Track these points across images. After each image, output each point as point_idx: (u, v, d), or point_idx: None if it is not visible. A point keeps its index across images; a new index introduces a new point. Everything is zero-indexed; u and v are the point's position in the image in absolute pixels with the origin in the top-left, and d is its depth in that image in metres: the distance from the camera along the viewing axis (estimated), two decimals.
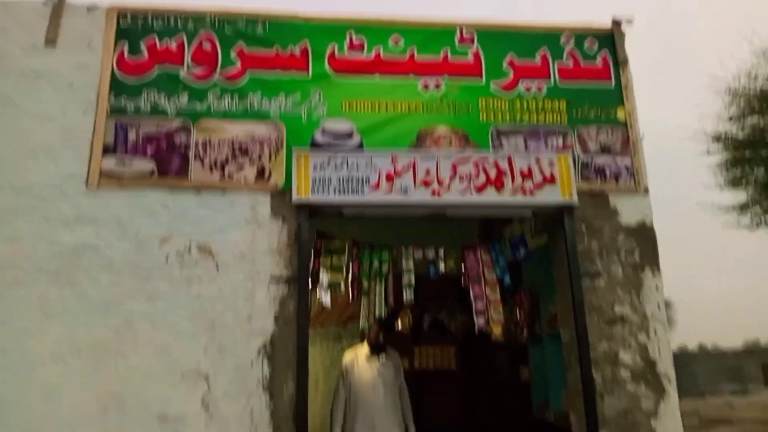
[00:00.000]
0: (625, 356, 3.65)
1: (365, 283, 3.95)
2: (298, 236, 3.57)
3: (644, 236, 3.84)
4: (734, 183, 9.98)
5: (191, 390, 3.29)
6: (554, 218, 3.79)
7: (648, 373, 3.63)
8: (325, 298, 3.77)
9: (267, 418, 3.30)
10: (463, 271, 3.96)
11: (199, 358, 3.34)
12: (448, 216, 3.68)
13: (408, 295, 3.90)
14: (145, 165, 3.60)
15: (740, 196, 10.10)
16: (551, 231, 3.94)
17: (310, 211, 3.60)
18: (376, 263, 3.93)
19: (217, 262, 3.50)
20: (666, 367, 3.65)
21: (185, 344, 3.35)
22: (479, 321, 3.88)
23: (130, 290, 3.39)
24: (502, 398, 5.73)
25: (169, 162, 3.61)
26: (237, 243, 3.54)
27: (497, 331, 4.05)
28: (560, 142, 3.86)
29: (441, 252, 3.98)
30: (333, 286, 3.78)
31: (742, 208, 10.07)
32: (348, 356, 4.36)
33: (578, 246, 3.75)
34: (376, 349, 4.23)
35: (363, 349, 4.31)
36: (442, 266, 3.96)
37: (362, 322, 4.08)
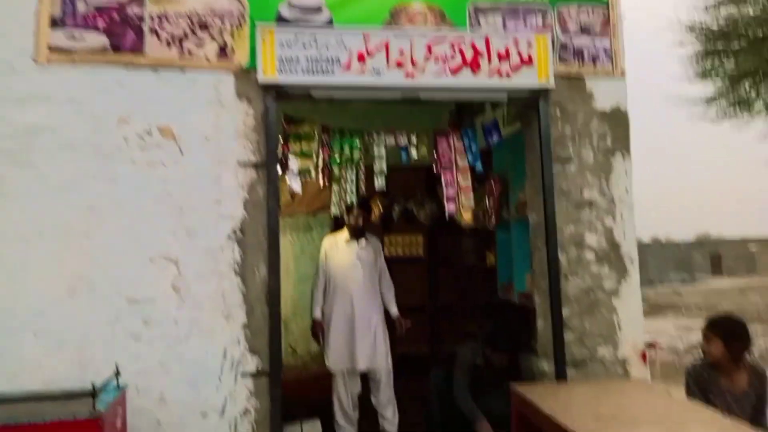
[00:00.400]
0: (591, 239, 3.74)
1: (336, 170, 3.87)
2: (265, 119, 3.42)
3: (618, 121, 3.81)
4: (704, 75, 9.97)
5: (161, 273, 3.26)
6: (529, 103, 3.71)
7: (612, 254, 3.75)
8: (294, 184, 3.69)
9: (240, 299, 3.33)
10: (435, 157, 3.90)
11: (167, 242, 3.29)
12: (422, 99, 3.56)
13: (379, 182, 3.85)
14: (97, 39, 3.32)
15: (708, 88, 10.14)
16: (525, 116, 3.87)
17: (277, 93, 3.43)
18: (346, 149, 3.83)
19: (180, 146, 3.36)
20: (630, 249, 3.77)
21: (152, 227, 3.27)
22: (450, 207, 3.88)
23: (91, 172, 3.25)
24: (467, 281, 5.94)
25: (123, 36, 3.34)
26: (200, 126, 3.38)
27: (467, 217, 4.08)
28: (540, 21, 3.69)
29: (413, 138, 3.89)
30: (303, 173, 3.69)
31: (709, 101, 10.14)
32: (328, 241, 4.39)
33: (551, 131, 3.71)
34: (355, 234, 4.24)
35: (343, 235, 4.33)
36: (414, 153, 3.88)
37: (333, 209, 4.04)
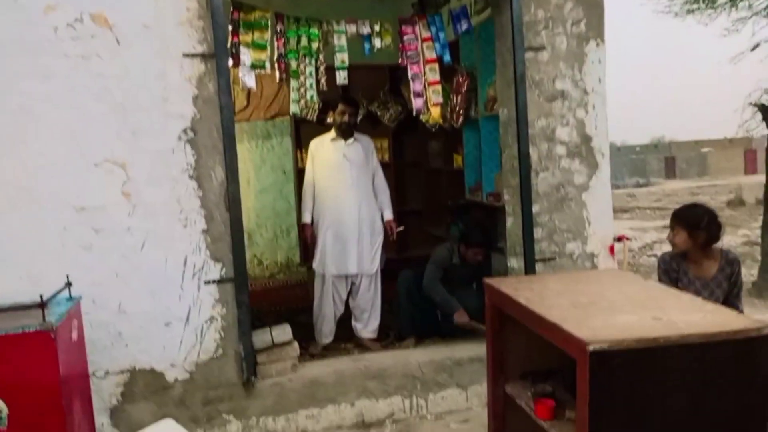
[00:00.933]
0: (562, 132, 3.62)
1: (293, 63, 3.56)
2: (210, 3, 3.07)
3: (592, 4, 3.59)
4: None
5: (108, 179, 3.01)
6: None
7: (583, 148, 3.65)
8: (248, 79, 3.38)
9: (197, 204, 3.12)
10: (400, 48, 3.62)
11: (112, 145, 3.01)
12: None
13: (341, 78, 3.58)
14: None
15: None
16: (495, 1, 3.60)
17: None
18: (304, 40, 3.50)
19: (116, 36, 3.00)
20: (601, 142, 3.67)
21: (94, 129, 2.98)
22: (417, 103, 3.66)
23: (20, 68, 2.89)
24: (434, 185, 5.84)
25: None
26: (137, 12, 3.01)
27: (436, 113, 3.88)
28: None
29: (376, 27, 3.58)
30: (256, 66, 3.38)
31: None
32: (314, 143, 4.14)
33: (524, 17, 3.47)
34: (342, 133, 3.98)
35: (329, 135, 4.07)
36: (378, 42, 3.59)
37: (293, 108, 3.76)
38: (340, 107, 3.96)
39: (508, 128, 3.63)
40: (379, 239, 4.06)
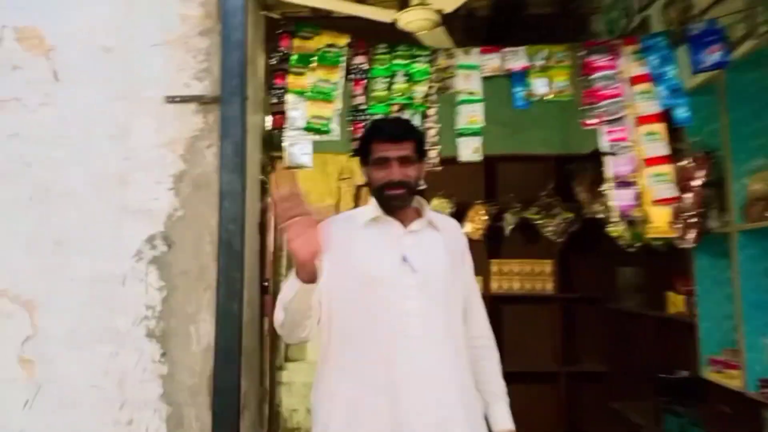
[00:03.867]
0: None
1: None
2: (222, 7, 1.63)
3: None
4: None
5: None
6: None
7: None
8: (300, 153, 1.84)
9: (155, 394, 1.52)
10: (583, 94, 1.90)
11: (12, 265, 1.57)
12: None
13: (468, 151, 1.92)
14: None
15: None
16: None
17: None
18: (400, 80, 1.91)
19: (54, 67, 1.65)
20: None
21: None
22: (621, 198, 1.86)
23: None
24: (624, 334, 3.71)
25: None
26: (95, 25, 1.66)
27: (660, 219, 1.98)
28: None
29: (539, 57, 1.92)
30: (315, 131, 1.84)
31: None
32: (330, 229, 2.04)
33: None
34: (393, 203, 1.71)
35: (362, 212, 1.79)
36: (541, 86, 1.89)
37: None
38: (391, 147, 1.58)
39: None
40: None
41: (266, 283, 2.02)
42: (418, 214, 1.67)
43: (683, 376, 3.06)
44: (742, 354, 2.26)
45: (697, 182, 2.54)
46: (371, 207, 1.64)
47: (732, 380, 2.33)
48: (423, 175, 1.70)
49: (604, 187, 1.84)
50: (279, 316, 1.46)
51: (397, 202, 1.56)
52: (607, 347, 3.80)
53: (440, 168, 1.95)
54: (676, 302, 3.04)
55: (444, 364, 1.54)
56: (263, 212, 2.10)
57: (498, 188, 3.97)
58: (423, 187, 1.88)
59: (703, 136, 2.46)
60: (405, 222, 1.62)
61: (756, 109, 2.19)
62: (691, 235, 2.56)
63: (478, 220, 3.74)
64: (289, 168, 1.88)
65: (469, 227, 3.79)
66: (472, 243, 1.81)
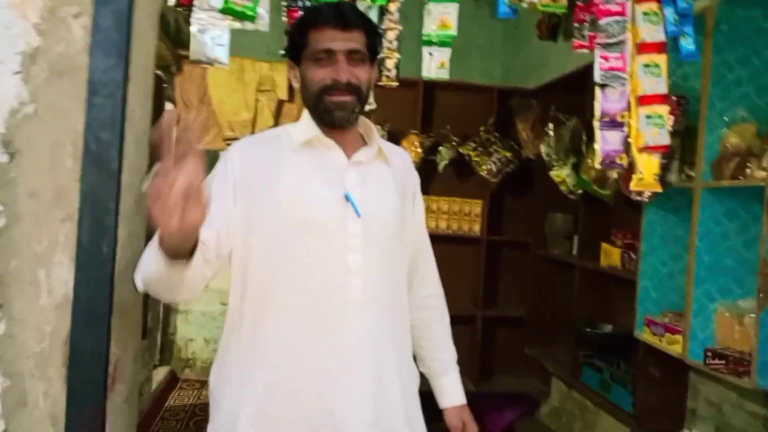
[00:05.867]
0: None
1: None
2: None
3: None
4: None
5: None
6: None
7: None
8: (213, 46, 1.38)
9: None
10: (576, 9, 1.55)
11: None
12: None
13: (432, 66, 1.54)
14: None
15: None
16: None
17: None
18: None
19: None
20: None
21: None
22: (607, 141, 1.55)
23: None
24: (551, 283, 3.59)
25: None
26: None
27: (647, 169, 1.73)
28: None
29: None
30: (236, 15, 1.37)
31: None
32: (241, 151, 1.39)
33: None
34: (340, 118, 1.22)
35: (295, 129, 1.25)
36: None
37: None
38: (320, 35, 1.16)
39: None
40: None
41: None
42: (364, 140, 1.29)
43: (608, 331, 2.98)
44: (688, 319, 2.12)
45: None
46: (303, 125, 1.24)
47: (671, 345, 2.20)
48: (373, 85, 1.31)
49: (595, 125, 1.52)
50: (139, 285, 1.07)
51: (342, 114, 1.18)
52: (530, 294, 3.68)
53: (396, 85, 1.55)
54: (610, 255, 2.89)
55: (386, 339, 1.22)
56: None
57: (435, 119, 3.63)
58: (371, 106, 1.49)
59: (678, 77, 2.20)
60: (347, 150, 1.23)
61: (746, 53, 1.95)
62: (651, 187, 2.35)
63: (412, 151, 3.38)
64: (196, 63, 1.40)
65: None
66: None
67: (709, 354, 1.95)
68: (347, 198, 1.16)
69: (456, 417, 1.38)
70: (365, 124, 1.27)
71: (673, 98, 2.19)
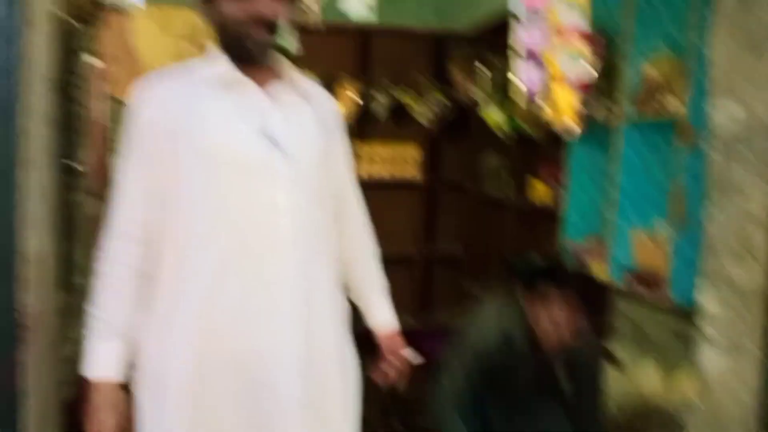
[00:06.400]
0: None
1: None
2: None
3: None
4: None
5: None
6: None
7: None
8: None
9: None
10: None
11: None
12: None
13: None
14: None
15: None
16: None
17: None
18: None
19: None
20: None
21: None
22: (529, 76, 1.58)
23: None
24: (484, 221, 3.68)
25: None
26: None
27: (568, 106, 1.78)
28: None
29: None
30: None
31: None
32: (145, 88, 1.31)
33: None
34: (258, 49, 1.15)
35: (209, 67, 1.28)
36: None
37: None
38: None
39: (744, 145, 1.53)
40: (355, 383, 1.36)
41: (78, 165, 1.53)
42: (275, 74, 1.23)
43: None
44: (607, 244, 2.24)
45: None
46: (216, 60, 1.21)
47: (597, 272, 2.32)
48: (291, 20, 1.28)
49: (513, 62, 1.54)
50: None
51: (261, 50, 1.16)
52: (467, 233, 3.79)
53: (322, 29, 1.51)
54: (540, 191, 2.99)
55: (315, 278, 1.23)
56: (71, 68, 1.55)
57: (370, 65, 3.58)
58: (296, 51, 1.46)
59: (600, 13, 2.24)
60: (261, 85, 1.20)
61: None
62: (574, 123, 2.42)
63: (346, 98, 3.35)
64: (113, 9, 1.33)
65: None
66: None
67: (630, 276, 2.08)
68: (272, 139, 1.15)
69: (390, 341, 1.42)
70: (274, 56, 1.24)
71: (597, 37, 2.25)
